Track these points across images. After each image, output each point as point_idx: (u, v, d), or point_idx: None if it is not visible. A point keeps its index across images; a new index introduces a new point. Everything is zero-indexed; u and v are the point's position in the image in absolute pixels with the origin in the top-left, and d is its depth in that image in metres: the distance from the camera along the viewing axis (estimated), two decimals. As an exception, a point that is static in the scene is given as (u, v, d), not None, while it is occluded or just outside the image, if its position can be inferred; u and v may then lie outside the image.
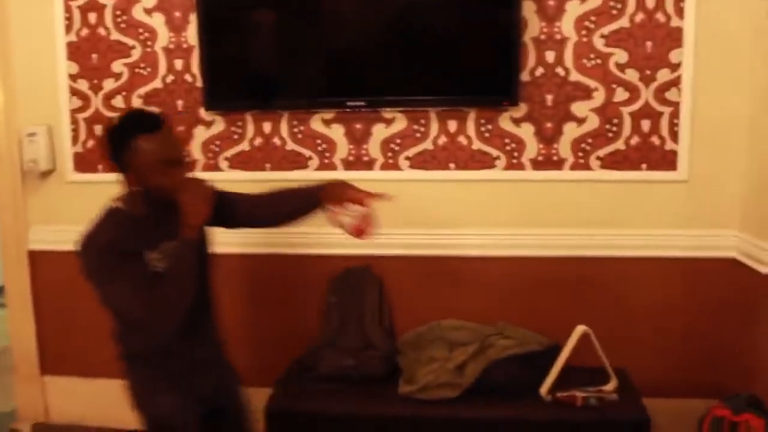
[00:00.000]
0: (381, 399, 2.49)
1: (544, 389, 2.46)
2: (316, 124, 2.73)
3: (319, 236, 2.73)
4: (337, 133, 2.73)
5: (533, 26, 2.57)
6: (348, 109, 2.68)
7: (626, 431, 2.43)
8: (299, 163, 2.76)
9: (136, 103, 2.78)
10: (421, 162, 2.70)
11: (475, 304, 2.72)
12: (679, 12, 2.52)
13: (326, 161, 2.74)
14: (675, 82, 2.56)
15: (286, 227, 2.22)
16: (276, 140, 2.76)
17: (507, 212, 2.69)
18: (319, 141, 2.74)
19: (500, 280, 2.71)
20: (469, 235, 2.71)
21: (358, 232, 2.00)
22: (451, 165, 2.68)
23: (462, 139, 2.67)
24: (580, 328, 2.47)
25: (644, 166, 2.61)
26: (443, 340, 2.64)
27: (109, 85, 2.80)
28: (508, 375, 2.48)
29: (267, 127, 2.76)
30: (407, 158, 2.70)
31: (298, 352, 2.74)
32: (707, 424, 2.45)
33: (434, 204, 2.72)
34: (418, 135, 2.68)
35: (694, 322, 2.69)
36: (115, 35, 2.77)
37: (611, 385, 2.50)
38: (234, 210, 2.08)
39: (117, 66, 2.79)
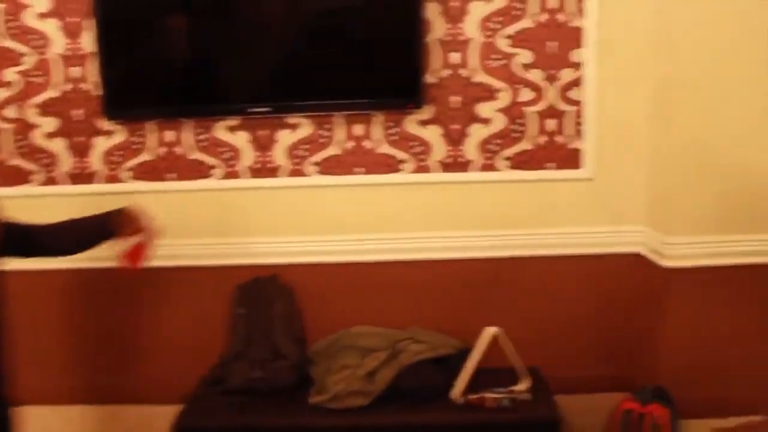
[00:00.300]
0: (291, 410, 2.44)
1: (455, 392, 2.45)
2: (221, 131, 2.66)
3: (227, 246, 2.68)
4: (241, 140, 2.66)
5: (437, 28, 2.55)
6: (253, 116, 2.62)
7: (538, 430, 2.44)
8: (203, 172, 2.68)
9: (31, 112, 2.67)
10: (327, 167, 2.65)
11: (387, 310, 2.69)
12: (581, 12, 2.54)
13: (231, 169, 2.67)
14: (578, 82, 2.58)
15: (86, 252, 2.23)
16: (179, 149, 2.67)
17: (416, 216, 2.66)
18: (223, 149, 2.67)
19: (411, 284, 2.68)
20: (378, 240, 2.67)
21: (129, 260, 2.17)
22: (358, 170, 2.65)
23: (368, 143, 2.63)
24: (490, 330, 2.47)
25: (550, 165, 2.62)
26: (355, 347, 2.60)
27: (0, 94, 2.68)
28: (420, 380, 2.46)
29: (170, 135, 2.67)
30: (314, 164, 2.65)
31: (210, 366, 2.68)
32: (617, 417, 2.49)
33: (342, 210, 2.68)
34: (323, 140, 2.64)
35: (603, 317, 2.72)
36: (6, 42, 2.65)
37: (523, 385, 2.51)
38: (27, 241, 2.07)
39: (9, 74, 2.67)
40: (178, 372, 2.70)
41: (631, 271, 2.66)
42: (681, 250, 2.44)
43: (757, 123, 2.43)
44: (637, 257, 2.64)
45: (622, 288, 2.69)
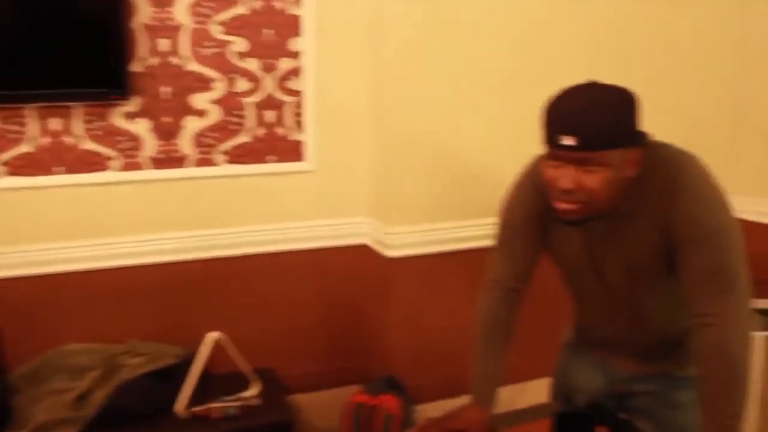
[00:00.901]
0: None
1: (179, 406, 2.27)
2: None
3: None
4: None
5: (143, 11, 2.33)
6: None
7: (270, 435, 2.34)
8: None
9: None
10: (19, 167, 2.31)
11: (102, 323, 2.43)
12: (297, 0, 2.47)
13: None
14: (297, 71, 2.51)
15: None
16: None
17: (127, 218, 2.43)
18: None
19: (126, 292, 2.45)
20: (85, 246, 2.39)
21: None
22: (58, 169, 2.34)
23: (68, 139, 2.34)
24: (212, 335, 2.32)
25: (271, 158, 2.53)
26: (64, 368, 2.31)
27: None
28: (140, 395, 2.24)
29: None
30: (4, 164, 2.31)
31: None
32: (348, 411, 2.47)
33: (40, 215, 2.35)
34: (13, 136, 2.29)
35: (335, 311, 2.70)
36: None
37: (253, 390, 2.39)
38: None
39: None
40: None
41: (359, 262, 2.66)
42: (401, 239, 2.48)
43: (467, 113, 2.53)
44: (364, 248, 2.65)
45: (351, 280, 2.68)
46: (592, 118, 1.21)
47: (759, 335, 2.72)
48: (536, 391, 1.76)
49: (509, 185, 1.55)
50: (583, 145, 1.21)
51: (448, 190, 2.53)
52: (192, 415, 2.25)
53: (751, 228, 2.99)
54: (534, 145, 1.38)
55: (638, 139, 1.27)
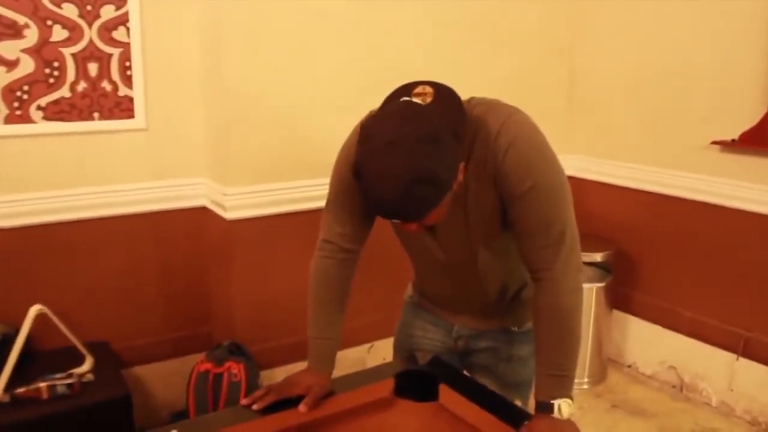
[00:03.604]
0: None
1: (-2, 388, 2.07)
2: None
3: None
4: None
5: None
6: None
7: (105, 411, 2.18)
8: None
9: None
10: None
11: None
12: (118, -58, 2.25)
13: None
14: (123, 20, 2.30)
15: None
16: None
17: None
18: None
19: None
20: None
21: None
22: None
23: None
24: (34, 309, 2.11)
25: (97, 115, 2.31)
26: None
27: None
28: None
29: None
30: None
31: None
32: (192, 381, 2.37)
33: None
34: None
35: (175, 278, 2.57)
36: None
37: (86, 366, 2.23)
38: None
39: None
40: None
41: (199, 226, 2.53)
42: (241, 200, 2.37)
43: (305, 70, 2.44)
44: (204, 211, 2.52)
45: (191, 245, 2.55)
46: (410, 203, 1.10)
47: (585, 287, 2.92)
48: (387, 351, 1.75)
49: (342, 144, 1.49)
50: (411, 220, 1.16)
51: (287, 149, 2.44)
52: (17, 398, 2.06)
53: (584, 185, 3.19)
54: (370, 104, 1.32)
55: (459, 160, 1.19)
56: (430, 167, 1.09)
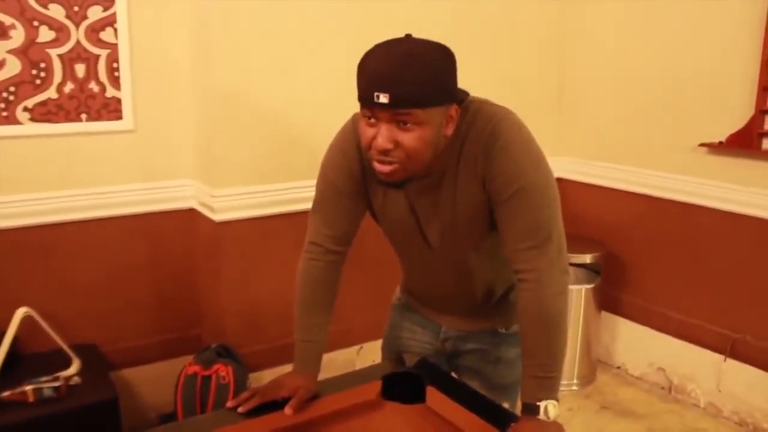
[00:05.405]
0: None
1: (-16, 392, 2.05)
2: None
3: None
4: None
5: None
6: None
7: (92, 414, 2.17)
8: None
9: None
10: None
11: None
12: (108, -57, 2.25)
13: None
14: (110, 21, 2.29)
15: None
16: None
17: None
18: None
19: None
20: None
21: None
22: None
23: None
24: (20, 311, 2.10)
25: (84, 116, 2.30)
26: None
27: None
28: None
29: None
30: None
31: None
32: (181, 383, 2.36)
33: None
34: None
35: (163, 280, 2.55)
36: None
37: (73, 368, 2.21)
38: None
39: None
40: None
41: (187, 228, 2.53)
42: (229, 202, 2.37)
43: (292, 71, 2.44)
44: (192, 212, 2.51)
45: (180, 247, 2.54)
46: (407, 74, 1.15)
47: (574, 288, 2.92)
48: (376, 353, 1.75)
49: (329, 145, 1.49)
50: (398, 103, 1.16)
51: (275, 150, 2.44)
52: (1, 401, 2.04)
53: (573, 187, 3.20)
54: (358, 105, 1.32)
55: (456, 96, 1.25)
56: (433, 57, 1.20)
